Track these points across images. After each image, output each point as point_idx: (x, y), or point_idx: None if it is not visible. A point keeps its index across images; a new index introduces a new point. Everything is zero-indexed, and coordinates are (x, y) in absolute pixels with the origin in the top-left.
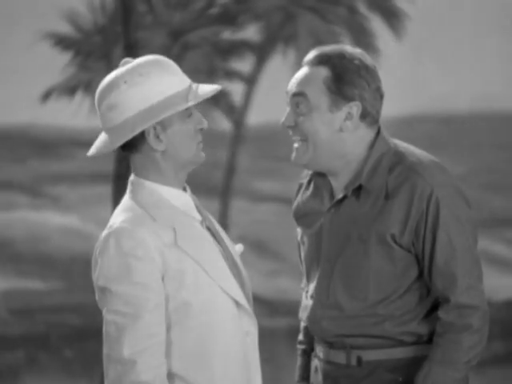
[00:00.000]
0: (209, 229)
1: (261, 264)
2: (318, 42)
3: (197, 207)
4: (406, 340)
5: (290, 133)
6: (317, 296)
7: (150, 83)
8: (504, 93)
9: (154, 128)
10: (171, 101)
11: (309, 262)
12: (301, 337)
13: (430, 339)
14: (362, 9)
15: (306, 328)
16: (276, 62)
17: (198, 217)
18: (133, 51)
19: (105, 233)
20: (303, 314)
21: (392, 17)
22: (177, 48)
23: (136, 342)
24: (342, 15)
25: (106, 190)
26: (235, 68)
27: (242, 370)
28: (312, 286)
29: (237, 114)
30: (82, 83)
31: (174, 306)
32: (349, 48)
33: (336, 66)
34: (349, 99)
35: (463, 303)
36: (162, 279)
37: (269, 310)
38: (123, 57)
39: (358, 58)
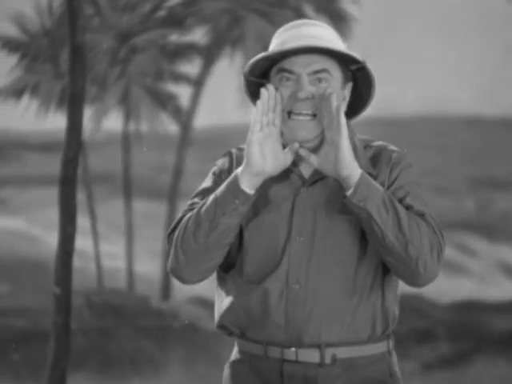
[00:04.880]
0: None
1: None
2: (265, 45)
3: None
4: (377, 330)
5: (299, 109)
6: (292, 284)
7: None
8: (450, 95)
9: None
10: None
11: (262, 250)
12: None
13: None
14: (309, 11)
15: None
16: (223, 65)
17: None
18: (79, 54)
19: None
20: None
21: (339, 20)
22: (124, 51)
23: None
24: (289, 18)
25: (53, 193)
26: (182, 71)
27: None
28: (271, 277)
29: (184, 117)
30: (28, 86)
31: None
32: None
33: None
34: (348, 79)
35: (421, 210)
36: None
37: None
38: (70, 60)
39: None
